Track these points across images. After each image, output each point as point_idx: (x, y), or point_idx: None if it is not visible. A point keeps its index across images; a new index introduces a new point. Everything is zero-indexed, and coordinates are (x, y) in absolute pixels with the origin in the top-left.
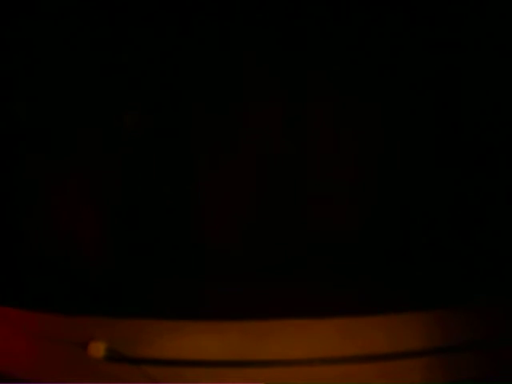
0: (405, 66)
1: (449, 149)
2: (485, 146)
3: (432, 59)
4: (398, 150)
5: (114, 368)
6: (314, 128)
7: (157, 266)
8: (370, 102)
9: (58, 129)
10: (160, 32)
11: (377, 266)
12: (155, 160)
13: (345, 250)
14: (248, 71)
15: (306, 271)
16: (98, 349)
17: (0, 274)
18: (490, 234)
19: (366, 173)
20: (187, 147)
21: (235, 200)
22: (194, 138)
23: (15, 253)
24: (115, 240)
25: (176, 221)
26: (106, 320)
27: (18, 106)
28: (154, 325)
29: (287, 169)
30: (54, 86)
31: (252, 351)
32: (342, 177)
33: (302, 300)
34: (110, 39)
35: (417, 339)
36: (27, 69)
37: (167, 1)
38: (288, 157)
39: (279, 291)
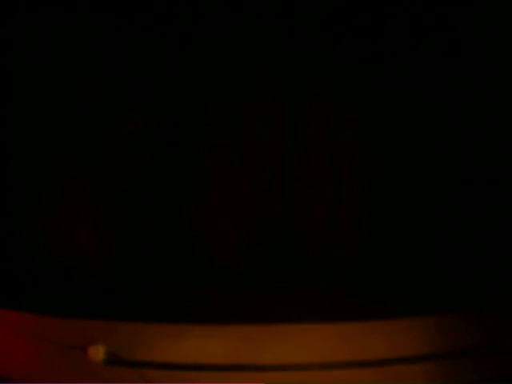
0: (406, 69)
1: (451, 160)
2: (487, 156)
3: (432, 63)
4: (399, 159)
5: (113, 371)
6: (315, 132)
7: (157, 270)
8: (371, 108)
9: (57, 131)
10: (163, 34)
11: (376, 272)
12: (156, 165)
13: (345, 256)
14: (249, 74)
15: (306, 277)
16: (97, 352)
17: None
18: (490, 240)
19: (366, 180)
20: (187, 151)
21: (236, 206)
22: (194, 143)
23: (14, 256)
24: (115, 244)
25: (177, 226)
26: (105, 323)
27: (19, 106)
28: (153, 328)
29: (287, 174)
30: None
31: (252, 355)
32: (342, 183)
33: (302, 305)
34: (116, 42)
35: (416, 344)
36: (30, 71)
37: (171, 4)
38: (289, 163)
39: (279, 296)
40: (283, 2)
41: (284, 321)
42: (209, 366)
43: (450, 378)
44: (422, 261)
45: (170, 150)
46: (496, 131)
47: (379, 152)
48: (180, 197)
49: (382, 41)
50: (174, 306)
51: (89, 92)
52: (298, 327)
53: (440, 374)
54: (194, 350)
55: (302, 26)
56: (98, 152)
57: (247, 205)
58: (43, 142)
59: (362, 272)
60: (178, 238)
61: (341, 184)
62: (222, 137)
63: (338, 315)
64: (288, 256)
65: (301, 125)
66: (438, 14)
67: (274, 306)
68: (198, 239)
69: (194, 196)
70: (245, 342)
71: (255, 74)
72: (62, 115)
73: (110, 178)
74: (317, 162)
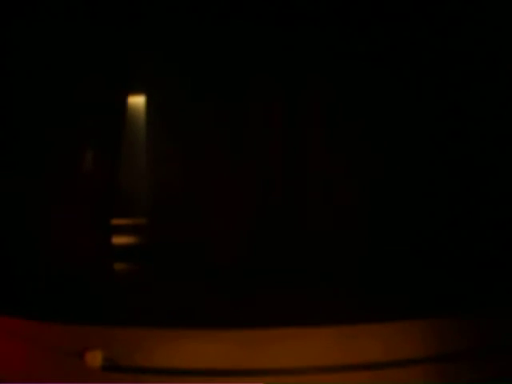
0: (406, 69)
1: (451, 160)
2: (485, 155)
3: (431, 63)
4: (399, 160)
5: (111, 377)
6: (315, 132)
7: (154, 274)
8: (370, 108)
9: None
10: (162, 33)
11: (373, 275)
12: (157, 166)
13: (342, 259)
14: (249, 73)
15: (303, 280)
16: (94, 358)
17: None
18: (488, 243)
19: (366, 181)
20: (188, 153)
21: (235, 210)
22: (194, 145)
23: (11, 261)
24: (112, 249)
25: (176, 231)
26: (103, 329)
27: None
28: (151, 333)
29: (288, 178)
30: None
31: (250, 360)
32: (342, 184)
33: (299, 309)
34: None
35: (413, 347)
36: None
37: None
38: (288, 163)
39: (276, 300)
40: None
41: (281, 324)
42: (207, 371)
43: (447, 380)
44: (420, 263)
45: (171, 154)
46: (495, 131)
47: (379, 152)
48: (180, 207)
49: (382, 41)
50: (172, 310)
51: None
52: (296, 331)
53: (437, 377)
54: (192, 355)
55: (302, 25)
56: (101, 162)
57: (246, 213)
58: (42, 146)
59: (359, 275)
60: (176, 244)
61: (340, 185)
62: (222, 137)
63: (335, 318)
64: (286, 258)
65: (301, 125)
66: (437, 14)
67: (271, 310)
68: (196, 246)
69: (193, 207)
70: (242, 346)
71: (255, 73)
72: (58, 115)
73: (107, 185)
74: (316, 162)
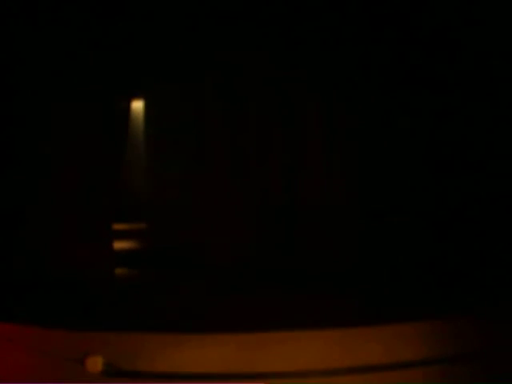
0: (404, 72)
1: (447, 162)
2: (484, 159)
3: (429, 65)
4: (396, 164)
5: (111, 383)
6: (313, 137)
7: (155, 280)
8: (368, 113)
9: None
10: (161, 40)
11: (372, 278)
12: (158, 170)
13: (342, 261)
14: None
15: (303, 284)
16: (95, 363)
17: None
18: (486, 246)
19: (365, 186)
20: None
21: (235, 215)
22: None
23: (11, 268)
24: (112, 254)
25: (175, 236)
26: (103, 334)
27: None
28: (151, 338)
29: (288, 180)
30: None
31: (250, 363)
32: (340, 190)
33: (299, 311)
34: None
35: (413, 349)
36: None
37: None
38: (289, 169)
39: (276, 303)
40: (282, 6)
41: (281, 328)
42: (208, 375)
43: (448, 382)
44: (418, 267)
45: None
46: (493, 138)
47: (378, 156)
48: (180, 213)
49: (380, 45)
50: (172, 315)
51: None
52: (296, 334)
53: (437, 379)
54: (193, 359)
55: (300, 30)
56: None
57: (246, 219)
58: (45, 150)
59: (360, 277)
60: (176, 250)
61: (340, 188)
62: (223, 141)
63: (335, 321)
64: (286, 262)
65: (299, 130)
66: (434, 17)
67: (271, 313)
68: (197, 251)
69: (193, 213)
70: (243, 349)
71: (253, 77)
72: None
73: (107, 190)
74: (315, 164)
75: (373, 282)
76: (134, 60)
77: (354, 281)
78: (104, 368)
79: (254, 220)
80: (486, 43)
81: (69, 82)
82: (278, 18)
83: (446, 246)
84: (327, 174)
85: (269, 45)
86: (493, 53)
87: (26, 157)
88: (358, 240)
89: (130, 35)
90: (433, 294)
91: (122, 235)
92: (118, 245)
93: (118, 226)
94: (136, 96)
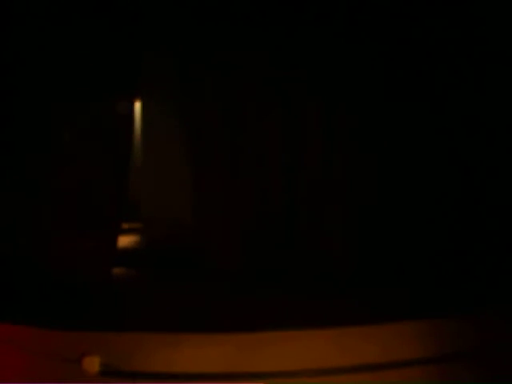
0: (405, 76)
1: (445, 163)
2: (483, 157)
3: (430, 69)
4: (395, 162)
5: (109, 383)
6: (311, 139)
7: (152, 280)
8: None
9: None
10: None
11: (370, 276)
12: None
13: (340, 261)
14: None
15: (301, 283)
16: (92, 363)
17: None
18: (486, 244)
19: (360, 187)
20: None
21: (235, 216)
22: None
23: (8, 267)
24: (111, 253)
25: (173, 236)
26: (100, 334)
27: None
28: (148, 338)
29: (285, 181)
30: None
31: (248, 363)
32: (337, 189)
33: (297, 311)
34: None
35: (411, 349)
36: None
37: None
38: (287, 170)
39: (274, 303)
40: (283, 6)
41: (279, 327)
42: (206, 375)
43: (445, 381)
44: (416, 265)
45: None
46: (492, 137)
47: (377, 155)
48: (177, 212)
49: (381, 47)
50: (170, 315)
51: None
52: (294, 334)
53: (435, 378)
54: (191, 359)
55: (300, 30)
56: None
57: (243, 220)
58: (44, 150)
59: (357, 276)
60: (174, 250)
61: (336, 196)
62: (221, 143)
63: (333, 320)
64: (283, 261)
65: (298, 129)
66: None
67: (269, 312)
68: (194, 251)
69: (190, 214)
70: (241, 349)
71: (252, 77)
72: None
73: (105, 191)
74: (314, 165)
75: (371, 282)
76: (134, 60)
77: (351, 280)
78: (101, 368)
79: (254, 220)
80: (488, 44)
81: (68, 82)
82: (279, 17)
83: (445, 245)
84: (327, 174)
85: (269, 44)
86: (495, 53)
87: (25, 156)
88: (357, 240)
89: (128, 34)
90: (431, 293)
91: (119, 235)
92: (116, 245)
93: (115, 226)
94: (135, 96)
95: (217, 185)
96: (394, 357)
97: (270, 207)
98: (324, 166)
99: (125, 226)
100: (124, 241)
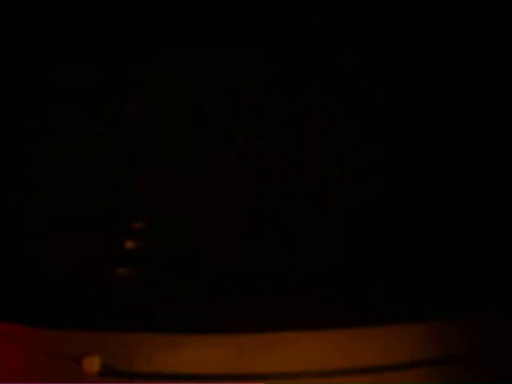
0: (406, 80)
1: (443, 163)
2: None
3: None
4: (394, 163)
5: (108, 383)
6: (310, 138)
7: (153, 280)
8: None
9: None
10: (160, 36)
11: (369, 278)
12: (155, 169)
13: (340, 262)
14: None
15: (301, 284)
16: (92, 364)
17: None
18: (486, 245)
19: (361, 186)
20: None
21: (234, 216)
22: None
23: (7, 266)
24: (109, 252)
25: (173, 235)
26: (100, 334)
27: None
28: (149, 339)
29: (284, 181)
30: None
31: (249, 364)
32: (336, 189)
33: (297, 312)
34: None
35: (413, 351)
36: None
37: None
38: (286, 169)
39: (274, 304)
40: (282, 9)
41: (278, 329)
42: (206, 376)
43: (446, 383)
44: (418, 267)
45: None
46: (491, 137)
47: (377, 156)
48: (176, 212)
49: (381, 43)
50: (170, 315)
51: None
52: (294, 335)
53: (437, 380)
54: (191, 360)
55: (301, 31)
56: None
57: (242, 219)
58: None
59: (358, 277)
60: (174, 249)
61: (337, 188)
62: (218, 142)
63: (333, 322)
64: (284, 262)
65: (296, 129)
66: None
67: (269, 314)
68: (193, 250)
69: (190, 212)
70: (241, 350)
71: (252, 74)
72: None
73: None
74: (314, 164)
75: (372, 283)
76: (133, 59)
77: (353, 281)
78: (101, 368)
79: (254, 219)
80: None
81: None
82: (279, 17)
83: (446, 246)
84: (327, 174)
85: (269, 42)
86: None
87: (29, 155)
88: (358, 241)
89: (127, 33)
90: (433, 294)
91: (121, 235)
92: (117, 245)
93: (117, 226)
94: (135, 94)
95: (216, 184)
96: (395, 359)
97: (271, 207)
98: (323, 166)
99: (126, 225)
100: (125, 240)
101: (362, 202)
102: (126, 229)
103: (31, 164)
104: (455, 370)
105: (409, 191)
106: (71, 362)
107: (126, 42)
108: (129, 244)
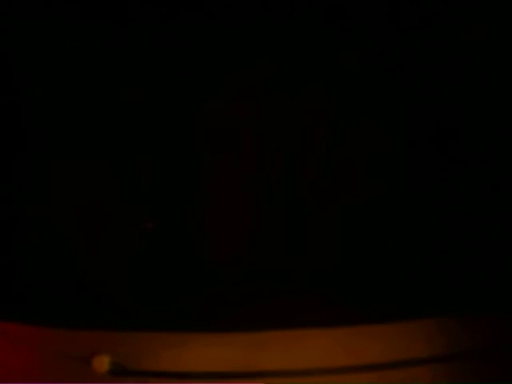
0: (406, 81)
1: (443, 165)
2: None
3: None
4: (394, 163)
5: (118, 382)
6: (309, 138)
7: (160, 279)
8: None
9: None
10: (160, 36)
11: (374, 275)
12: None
13: (343, 259)
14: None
15: (304, 282)
16: (102, 363)
17: (0, 287)
18: (490, 244)
19: (363, 184)
20: (185, 151)
21: (236, 215)
22: (193, 144)
23: (15, 266)
24: (117, 252)
25: (178, 235)
26: (109, 334)
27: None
28: (158, 338)
29: (287, 179)
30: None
31: (254, 362)
32: (336, 189)
33: (301, 310)
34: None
35: (418, 348)
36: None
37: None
38: (289, 168)
39: (278, 302)
40: (284, 6)
41: (282, 327)
42: (213, 374)
43: (453, 380)
44: (423, 264)
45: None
46: (494, 138)
47: (377, 155)
48: (181, 211)
49: (381, 43)
50: (178, 315)
51: None
52: (298, 333)
53: (442, 378)
54: (199, 358)
55: (301, 31)
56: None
57: (246, 217)
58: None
59: (362, 275)
60: (179, 249)
61: (340, 186)
62: (222, 139)
63: (337, 319)
64: (286, 260)
65: (299, 127)
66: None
67: (273, 312)
68: (199, 250)
69: (194, 212)
70: (247, 348)
71: (252, 72)
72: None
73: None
74: (315, 163)
75: (376, 280)
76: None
77: (356, 279)
78: (111, 367)
79: (254, 219)
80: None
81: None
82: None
83: (450, 243)
84: (328, 174)
85: (269, 42)
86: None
87: (35, 155)
88: (362, 239)
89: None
90: (437, 291)
91: (128, 235)
92: (125, 245)
93: (126, 226)
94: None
95: (218, 184)
96: (400, 356)
97: (271, 207)
98: (324, 166)
99: (133, 226)
100: (132, 241)
101: (363, 202)
102: (133, 229)
103: (31, 164)
104: (459, 368)
105: (409, 191)
106: (81, 362)
107: None
108: (136, 244)
